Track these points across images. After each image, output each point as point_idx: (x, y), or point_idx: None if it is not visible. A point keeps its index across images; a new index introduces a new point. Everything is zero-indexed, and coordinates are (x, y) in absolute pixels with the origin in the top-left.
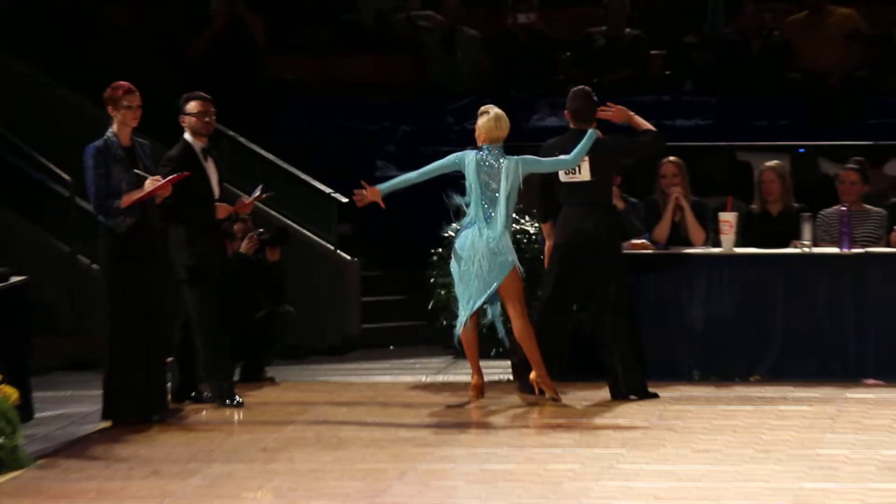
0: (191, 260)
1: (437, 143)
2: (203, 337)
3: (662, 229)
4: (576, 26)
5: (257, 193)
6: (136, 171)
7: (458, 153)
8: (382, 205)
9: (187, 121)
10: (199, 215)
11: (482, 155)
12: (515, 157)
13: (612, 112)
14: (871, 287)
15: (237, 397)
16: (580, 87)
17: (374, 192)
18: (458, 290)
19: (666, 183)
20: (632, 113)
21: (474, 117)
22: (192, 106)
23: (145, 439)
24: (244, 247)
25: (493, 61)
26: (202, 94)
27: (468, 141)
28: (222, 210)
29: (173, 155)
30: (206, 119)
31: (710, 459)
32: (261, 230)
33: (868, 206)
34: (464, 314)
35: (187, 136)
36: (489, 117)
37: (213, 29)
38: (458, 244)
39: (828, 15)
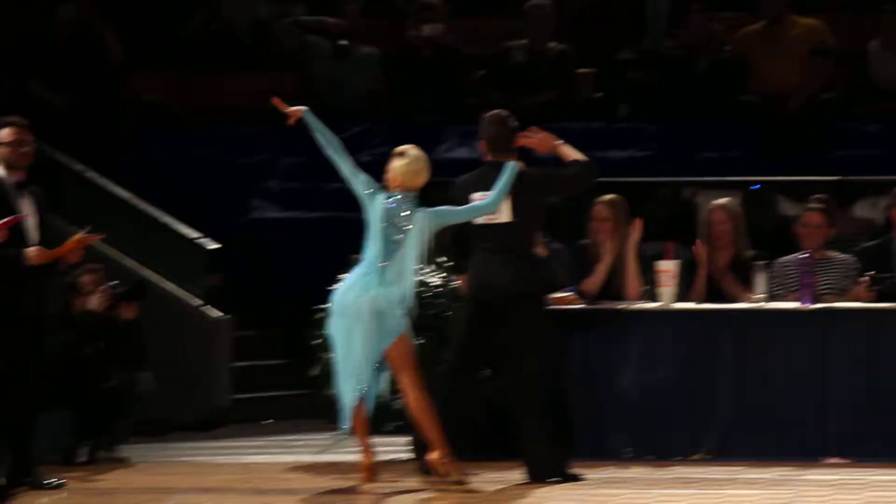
0: None
1: (325, 179)
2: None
3: (596, 280)
4: (491, 40)
5: (81, 235)
6: None
7: (373, 185)
8: (291, 121)
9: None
10: (8, 262)
11: (391, 202)
12: (429, 209)
13: (536, 140)
14: (835, 349)
15: None
16: (495, 111)
17: (297, 111)
18: (339, 356)
19: (596, 227)
20: (559, 141)
21: (370, 147)
22: (4, 134)
23: None
24: (94, 302)
25: (392, 82)
26: (16, 118)
27: None
28: (38, 255)
29: None
30: (23, 150)
31: None
32: (115, 282)
33: (834, 253)
34: (349, 395)
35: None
36: (408, 161)
37: (58, 41)
38: (338, 299)
39: (789, 26)
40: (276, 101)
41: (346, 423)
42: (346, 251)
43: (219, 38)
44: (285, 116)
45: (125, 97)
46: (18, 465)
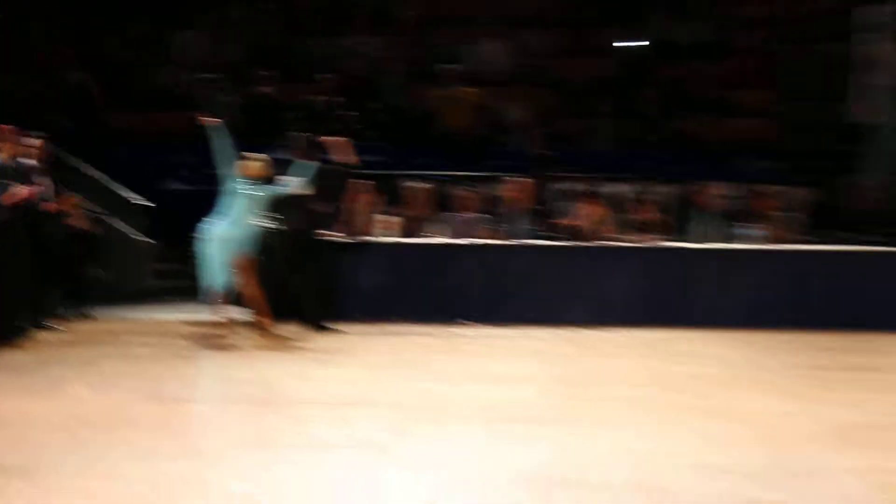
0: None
1: (209, 168)
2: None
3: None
4: (301, 96)
5: (75, 197)
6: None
7: (235, 172)
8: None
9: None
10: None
11: (245, 182)
12: (266, 186)
13: (340, 142)
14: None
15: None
16: (303, 133)
17: (214, 121)
18: (205, 266)
19: (357, 195)
20: (351, 147)
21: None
22: (36, 143)
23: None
24: (80, 225)
25: (247, 117)
26: (41, 133)
27: None
28: (52, 206)
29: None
30: (45, 152)
31: (368, 369)
32: (94, 215)
33: (478, 214)
34: (212, 286)
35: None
36: (255, 161)
37: (67, 91)
38: (206, 233)
39: (459, 93)
40: (201, 117)
41: (213, 300)
42: (216, 207)
43: (161, 91)
44: (189, 137)
45: (105, 125)
46: (36, 317)
